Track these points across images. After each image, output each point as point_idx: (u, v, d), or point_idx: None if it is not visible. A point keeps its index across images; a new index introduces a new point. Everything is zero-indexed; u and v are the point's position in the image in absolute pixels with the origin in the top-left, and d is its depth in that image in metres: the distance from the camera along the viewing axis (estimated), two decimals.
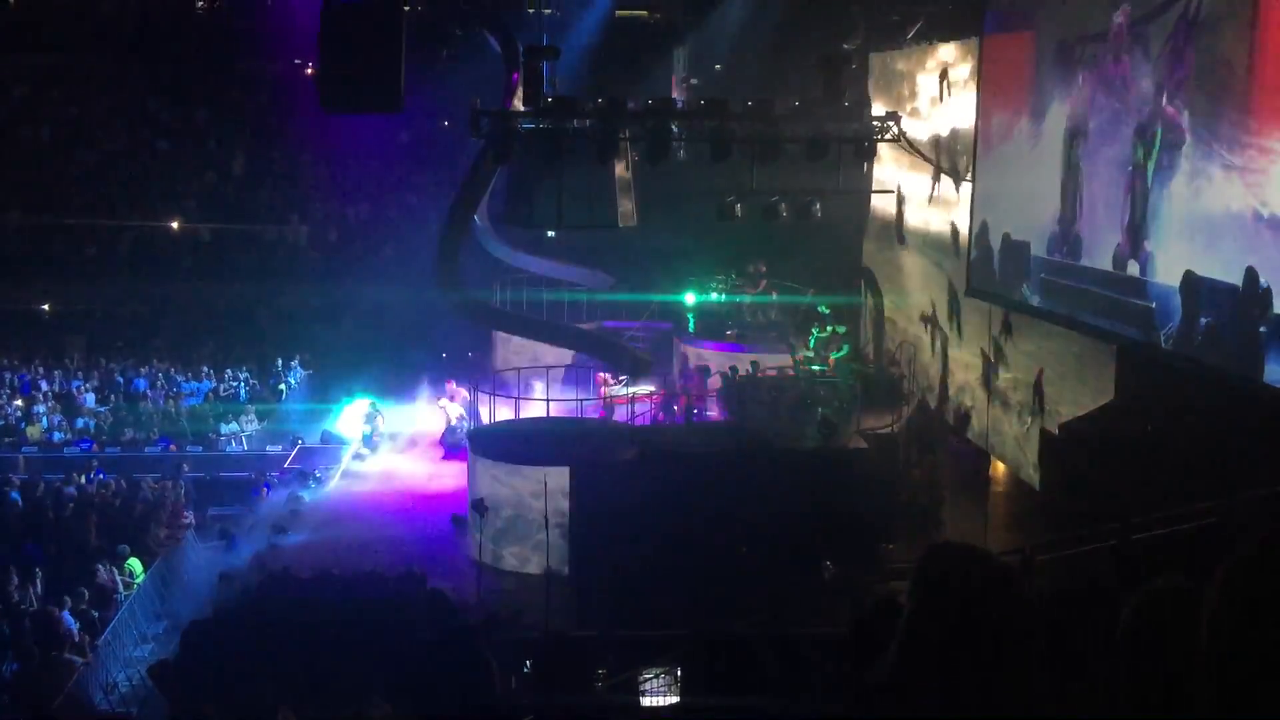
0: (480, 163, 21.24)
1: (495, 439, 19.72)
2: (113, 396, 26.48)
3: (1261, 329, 10.86)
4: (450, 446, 23.09)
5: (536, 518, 17.47)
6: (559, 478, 17.58)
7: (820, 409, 19.05)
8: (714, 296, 25.79)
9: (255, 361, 28.06)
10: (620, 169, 21.53)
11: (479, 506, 17.78)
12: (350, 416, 24.76)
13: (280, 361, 28.00)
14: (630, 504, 17.17)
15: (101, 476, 21.43)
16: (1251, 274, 10.98)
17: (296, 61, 32.53)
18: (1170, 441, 12.46)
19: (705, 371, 23.00)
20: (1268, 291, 10.73)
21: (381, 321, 28.10)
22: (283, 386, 27.23)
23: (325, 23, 16.09)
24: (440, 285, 22.25)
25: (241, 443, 24.88)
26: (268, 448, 24.45)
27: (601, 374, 23.13)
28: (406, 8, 21.48)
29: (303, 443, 24.15)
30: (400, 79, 15.83)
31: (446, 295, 22.62)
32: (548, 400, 21.09)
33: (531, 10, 27.23)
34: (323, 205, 32.44)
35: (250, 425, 25.46)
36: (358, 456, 23.55)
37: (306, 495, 20.92)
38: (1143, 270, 13.05)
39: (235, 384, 27.16)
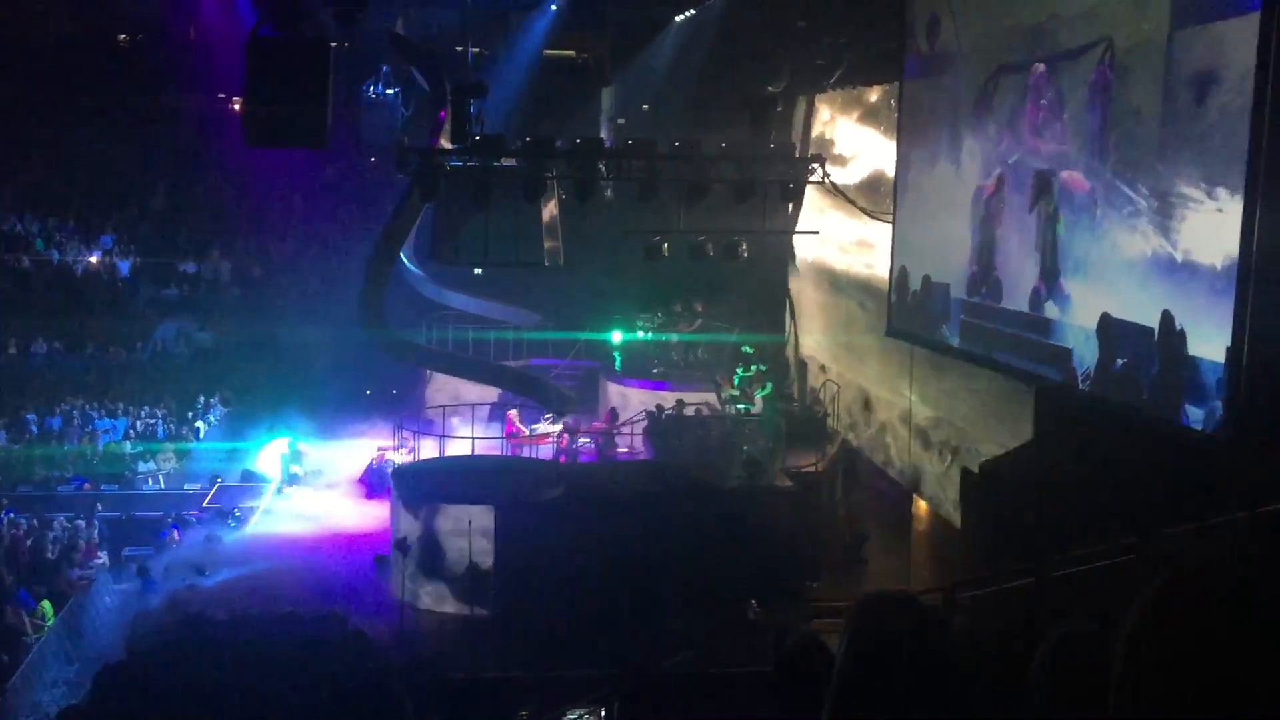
0: (407, 200, 21.16)
1: (420, 477, 19.54)
2: (26, 434, 25.85)
3: (1176, 369, 11.12)
4: (373, 486, 22.84)
5: (460, 557, 17.32)
6: (483, 517, 17.45)
7: (745, 448, 19.13)
8: (641, 335, 25.86)
9: (174, 398, 27.55)
10: (547, 208, 21.58)
11: (401, 545, 17.59)
12: (271, 454, 24.38)
13: (200, 398, 27.52)
14: (555, 543, 17.09)
15: (12, 515, 20.87)
16: (1168, 316, 11.25)
17: (221, 95, 32.22)
18: (1089, 481, 12.67)
19: (613, 415, 23.01)
20: (1183, 334, 11.00)
21: (305, 358, 27.77)
22: (201, 424, 26.75)
23: (250, 56, 15.97)
24: (365, 323, 22.06)
25: (159, 481, 24.39)
26: (186, 486, 24.00)
27: (512, 411, 23.06)
28: (334, 43, 21.41)
29: (222, 481, 23.74)
30: (327, 115, 15.73)
31: (371, 333, 22.42)
32: (472, 438, 20.95)
33: (460, 49, 27.30)
34: (246, 240, 32.07)
35: (168, 463, 24.98)
36: (279, 495, 23.18)
37: (225, 535, 20.53)
38: (1060, 312, 13.31)
39: (153, 421, 26.63)
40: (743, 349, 22.79)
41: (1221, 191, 10.45)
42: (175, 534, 20.50)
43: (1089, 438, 13.20)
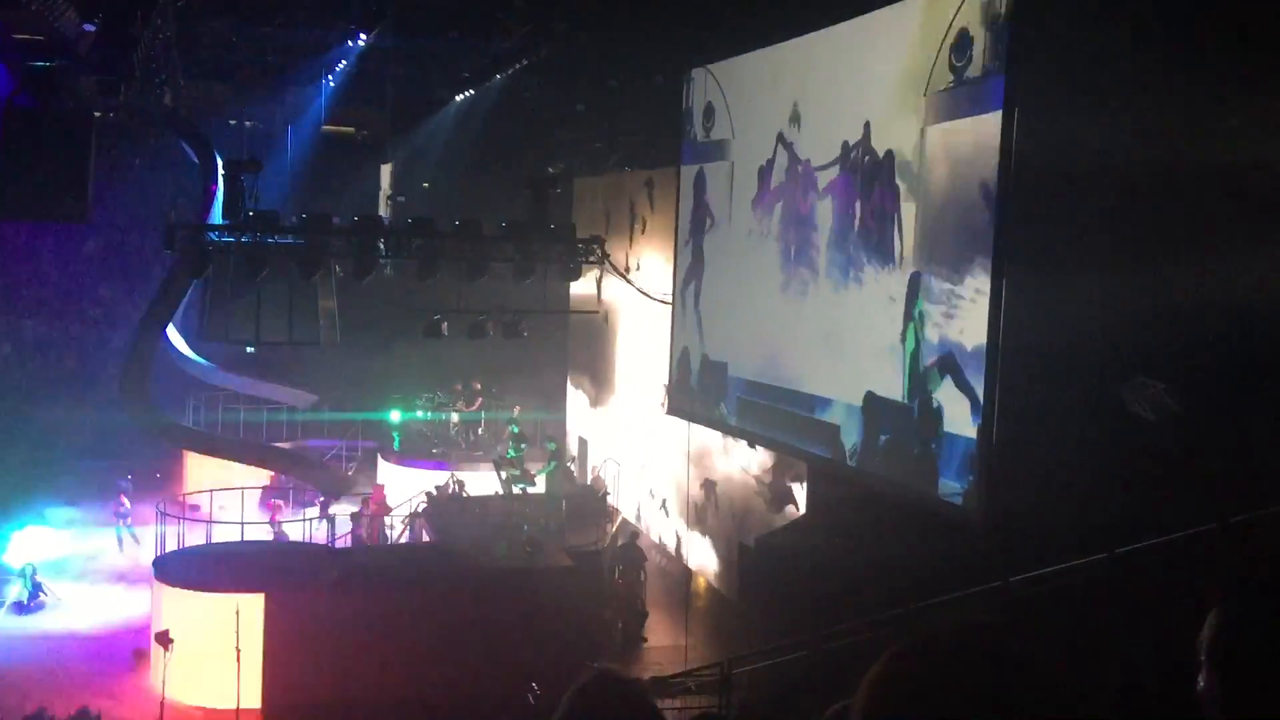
0: (174, 276, 20.40)
1: (183, 565, 18.63)
2: None
3: (933, 445, 11.67)
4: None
5: (226, 648, 16.53)
6: (252, 605, 16.74)
7: (526, 526, 19.03)
8: (420, 414, 25.52)
9: None
10: (324, 285, 21.17)
11: (163, 638, 16.68)
12: (20, 545, 22.82)
13: None
14: (329, 629, 16.53)
15: None
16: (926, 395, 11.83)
17: None
18: (856, 554, 13.10)
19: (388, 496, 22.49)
20: (939, 411, 11.57)
21: (59, 442, 26.24)
22: None
23: (6, 125, 15.28)
24: (127, 405, 21.04)
25: None
26: None
27: (274, 499, 22.34)
28: (97, 113, 20.60)
29: None
30: (88, 187, 15.15)
31: (134, 416, 21.38)
32: (242, 523, 20.15)
33: (233, 122, 26.67)
34: None
35: None
36: (30, 589, 21.68)
37: None
38: (828, 390, 13.81)
39: None
40: (511, 429, 22.67)
41: (971, 278, 11.10)
42: None
43: (858, 511, 13.68)
